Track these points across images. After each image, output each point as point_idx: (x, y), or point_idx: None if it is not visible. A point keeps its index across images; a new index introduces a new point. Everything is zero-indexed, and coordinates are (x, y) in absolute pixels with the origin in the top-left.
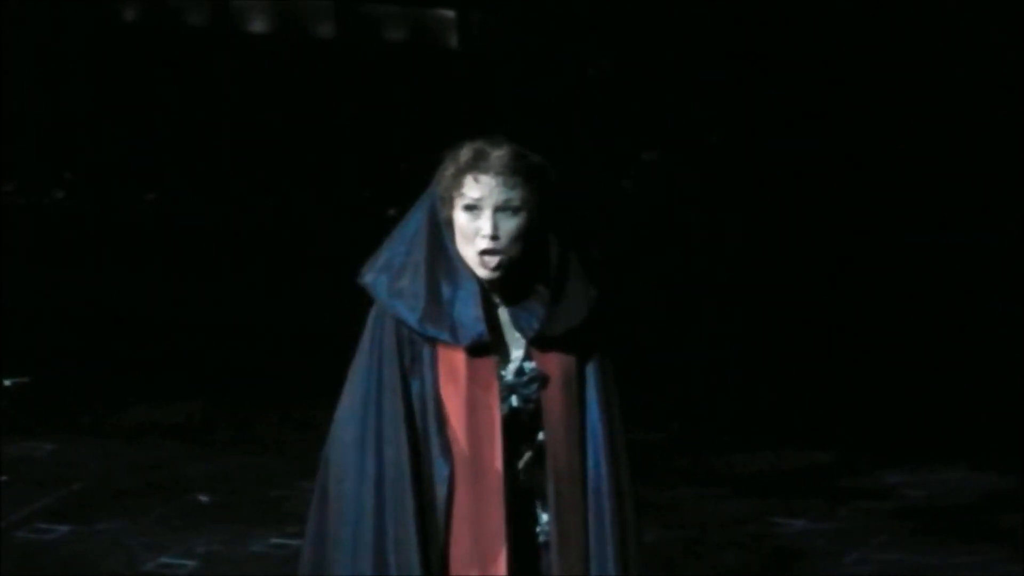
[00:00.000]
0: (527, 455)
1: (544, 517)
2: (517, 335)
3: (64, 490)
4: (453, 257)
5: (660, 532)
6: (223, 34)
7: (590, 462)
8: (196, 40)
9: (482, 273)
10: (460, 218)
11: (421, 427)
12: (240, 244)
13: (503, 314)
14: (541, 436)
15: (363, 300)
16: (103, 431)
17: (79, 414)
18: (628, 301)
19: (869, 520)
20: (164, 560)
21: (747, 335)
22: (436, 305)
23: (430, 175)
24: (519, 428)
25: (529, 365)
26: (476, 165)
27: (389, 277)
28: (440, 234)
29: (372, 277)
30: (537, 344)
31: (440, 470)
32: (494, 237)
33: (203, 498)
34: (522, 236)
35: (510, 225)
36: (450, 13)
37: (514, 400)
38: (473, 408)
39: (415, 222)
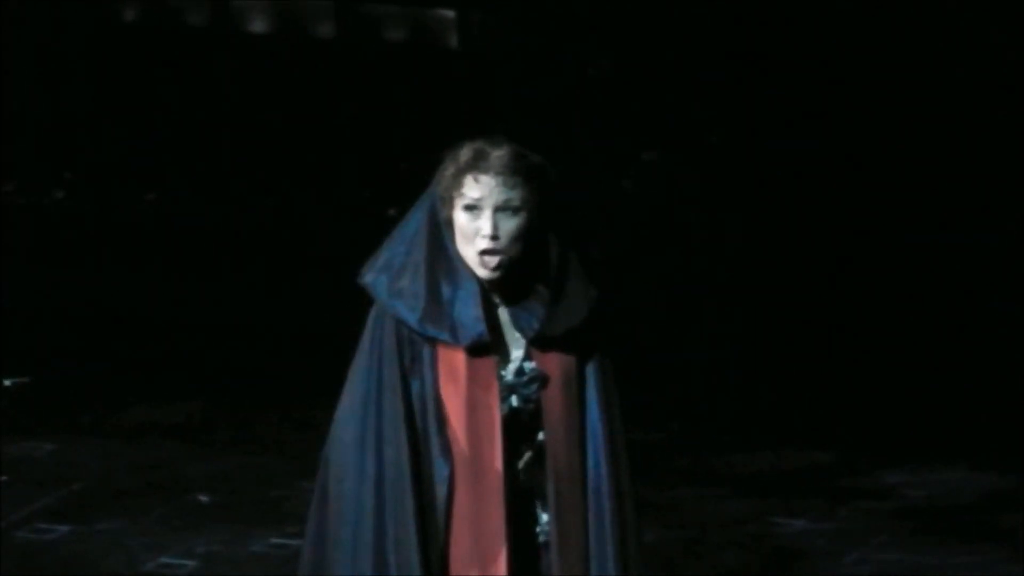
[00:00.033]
0: (527, 455)
1: (544, 517)
2: (517, 335)
3: (64, 490)
4: (453, 257)
5: (660, 532)
6: (223, 34)
7: (590, 462)
8: (196, 40)
9: (482, 273)
10: (460, 218)
11: (421, 427)
12: (240, 244)
13: (503, 314)
14: (541, 436)
15: (363, 300)
16: (103, 431)
17: (79, 414)
18: (628, 301)
19: (869, 520)
20: (164, 560)
21: (747, 335)
22: (436, 305)
23: (430, 175)
24: (519, 428)
25: (529, 365)
26: (476, 165)
27: (389, 277)
28: (440, 234)
29: (372, 277)
30: (537, 344)
31: (440, 470)
32: (494, 237)
33: (203, 498)
34: (522, 236)
35: (510, 225)
36: (450, 13)
37: (514, 400)
38: (473, 408)
39: (415, 222)
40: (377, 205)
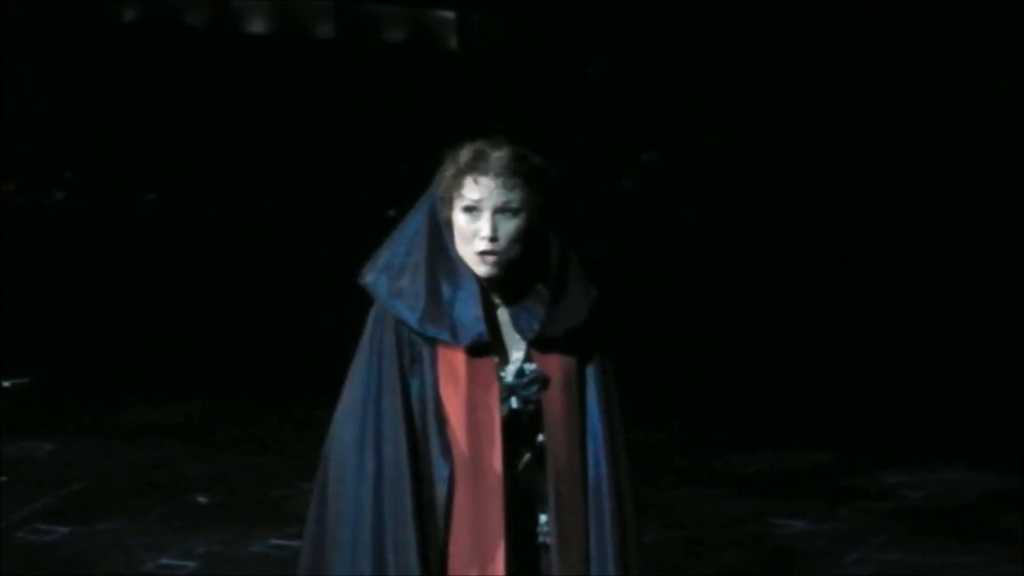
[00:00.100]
0: (527, 456)
1: (543, 518)
2: (517, 336)
3: (64, 490)
4: (453, 257)
5: (660, 532)
6: (223, 34)
7: (590, 462)
8: (196, 40)
9: (482, 270)
10: (459, 219)
11: (421, 427)
12: (240, 244)
13: (503, 315)
14: (541, 438)
15: (363, 300)
16: (103, 431)
17: (79, 414)
18: (628, 301)
19: (869, 520)
20: (164, 561)
21: (747, 335)
22: (436, 305)
23: (430, 175)
24: (519, 429)
25: (529, 367)
26: (476, 166)
27: (389, 277)
28: (440, 235)
29: (372, 277)
30: (537, 345)
31: (440, 470)
32: (493, 239)
33: (202, 499)
34: (521, 238)
35: (509, 227)
36: (450, 14)
37: (514, 402)
38: (473, 408)
39: (415, 223)
40: (377, 205)
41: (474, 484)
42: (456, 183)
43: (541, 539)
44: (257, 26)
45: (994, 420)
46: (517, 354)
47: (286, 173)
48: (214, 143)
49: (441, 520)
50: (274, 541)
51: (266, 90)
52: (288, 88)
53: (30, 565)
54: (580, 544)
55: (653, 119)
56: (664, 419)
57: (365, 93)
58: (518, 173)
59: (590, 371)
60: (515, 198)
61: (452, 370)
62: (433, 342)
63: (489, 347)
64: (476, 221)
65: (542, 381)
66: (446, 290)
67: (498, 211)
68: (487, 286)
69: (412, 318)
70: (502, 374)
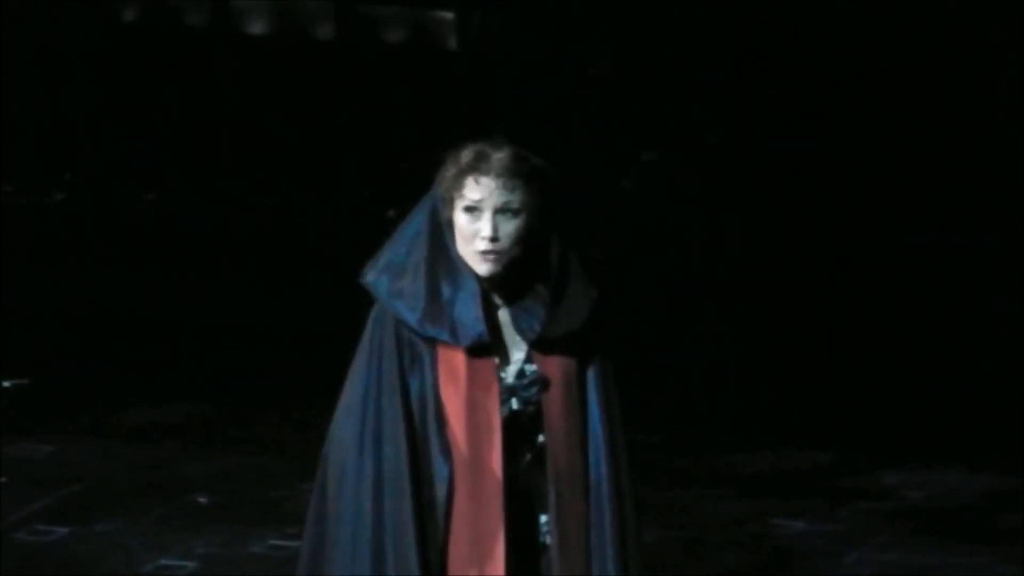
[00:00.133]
0: (527, 457)
1: (544, 518)
2: (518, 337)
3: (64, 491)
4: (454, 258)
5: (660, 532)
6: (223, 34)
7: (590, 463)
8: (196, 40)
9: (482, 268)
10: (460, 219)
11: (420, 427)
12: (240, 244)
13: (503, 315)
14: (541, 438)
15: (363, 300)
16: (103, 431)
17: (79, 414)
18: (628, 301)
19: (869, 520)
20: (164, 561)
21: (747, 335)
22: (436, 305)
23: (430, 175)
24: (519, 429)
25: (530, 368)
26: (476, 167)
27: (390, 277)
28: (441, 235)
29: (373, 277)
30: (538, 347)
31: (440, 470)
32: (494, 239)
33: (202, 499)
34: (522, 238)
35: (510, 227)
36: (450, 14)
37: (514, 403)
38: (473, 409)
39: (416, 223)
40: (377, 205)
41: (474, 484)
42: (457, 183)
43: (541, 539)
44: (257, 26)
45: (994, 420)
46: (518, 355)
47: (286, 173)
48: (214, 143)
49: (441, 520)
50: (274, 541)
51: (266, 90)
52: (288, 88)
53: (30, 565)
54: (580, 544)
55: (653, 119)
56: (664, 419)
57: (365, 93)
58: (519, 174)
59: (590, 372)
60: (516, 199)
61: (452, 370)
62: (433, 342)
63: (489, 347)
64: (477, 221)
65: (543, 383)
66: (446, 290)
67: (499, 211)
68: (487, 287)
69: (412, 318)
70: (502, 375)
